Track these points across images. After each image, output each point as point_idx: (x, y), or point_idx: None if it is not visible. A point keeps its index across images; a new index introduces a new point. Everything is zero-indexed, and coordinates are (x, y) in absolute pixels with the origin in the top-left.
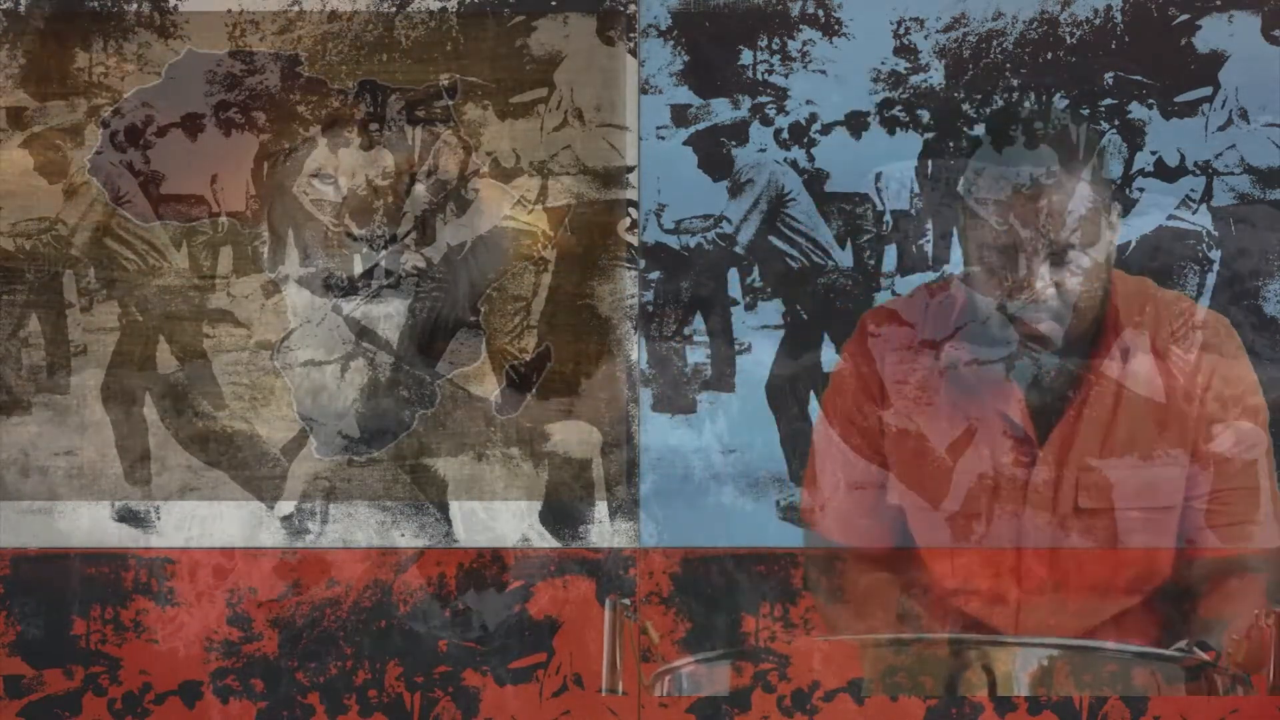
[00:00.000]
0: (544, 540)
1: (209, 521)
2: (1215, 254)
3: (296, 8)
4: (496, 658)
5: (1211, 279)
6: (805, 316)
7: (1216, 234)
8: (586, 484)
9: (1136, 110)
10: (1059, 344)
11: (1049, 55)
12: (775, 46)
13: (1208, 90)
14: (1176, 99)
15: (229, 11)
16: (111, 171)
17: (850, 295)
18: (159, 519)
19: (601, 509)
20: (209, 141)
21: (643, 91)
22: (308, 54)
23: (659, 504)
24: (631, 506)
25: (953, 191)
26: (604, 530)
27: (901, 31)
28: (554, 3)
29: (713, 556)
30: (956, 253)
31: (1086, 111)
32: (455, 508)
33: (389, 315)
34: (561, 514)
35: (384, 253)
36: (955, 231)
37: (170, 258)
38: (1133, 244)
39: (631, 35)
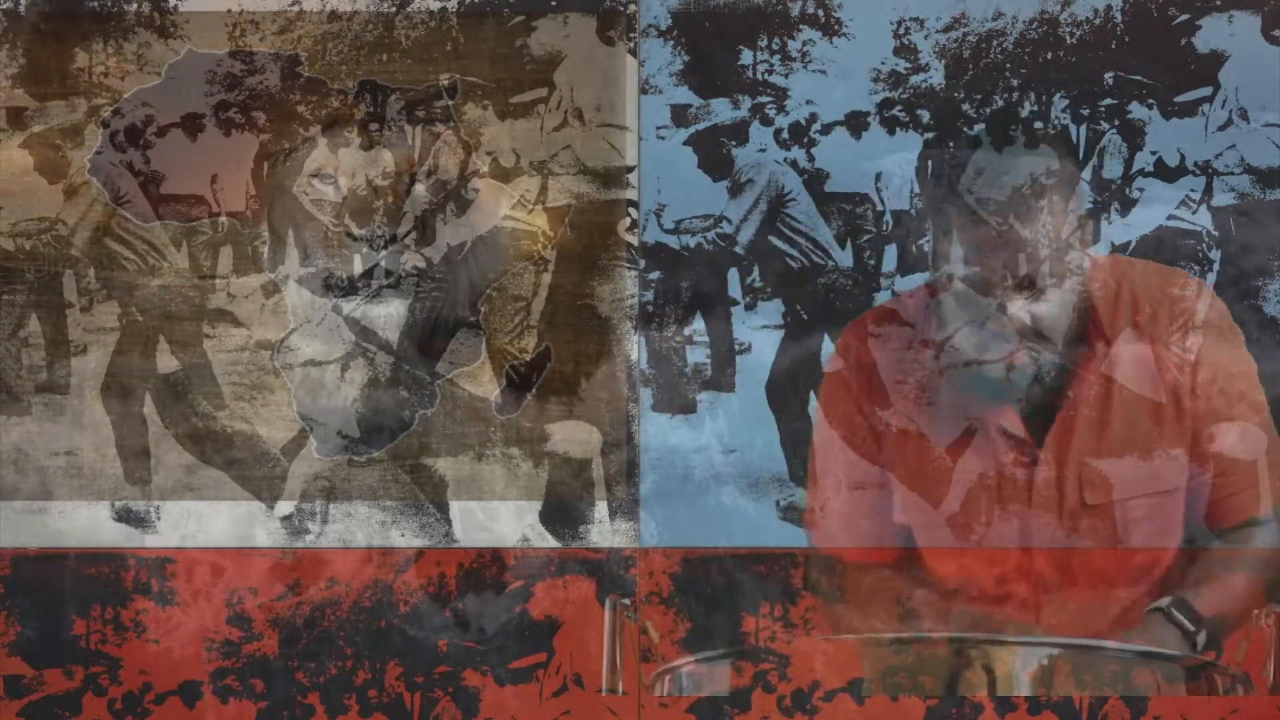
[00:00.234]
0: (544, 540)
1: (208, 521)
2: (1215, 254)
3: (296, 8)
4: (496, 658)
5: (1211, 279)
6: (805, 316)
7: (1216, 234)
8: (586, 484)
9: (1136, 110)
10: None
11: (1049, 55)
12: (775, 46)
13: (1208, 90)
14: (1176, 99)
15: (229, 11)
16: (111, 171)
17: (850, 295)
18: (158, 519)
19: (601, 509)
20: (209, 141)
21: (643, 91)
22: (308, 54)
23: (659, 504)
24: (631, 506)
25: (953, 191)
26: (604, 530)
27: (901, 31)
28: (554, 3)
29: (713, 556)
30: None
31: (1086, 111)
32: (455, 508)
33: (389, 315)
34: (561, 514)
35: (384, 253)
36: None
37: (170, 258)
38: (1133, 244)
39: (631, 35)
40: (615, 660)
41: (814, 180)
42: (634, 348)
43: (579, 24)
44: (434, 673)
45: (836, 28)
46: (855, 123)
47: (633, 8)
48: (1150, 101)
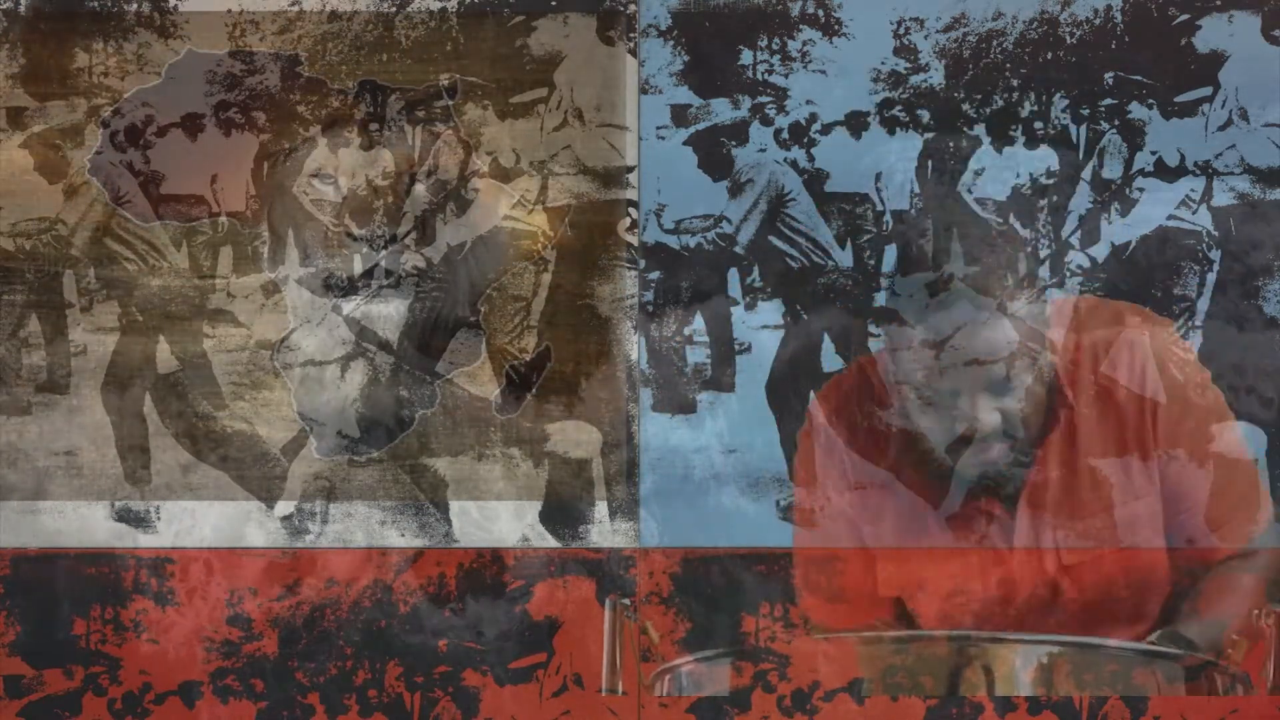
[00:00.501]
0: (544, 540)
1: (208, 521)
2: (1215, 254)
3: (296, 8)
4: (496, 658)
5: (1211, 279)
6: (805, 316)
7: (1216, 234)
8: (586, 484)
9: (1136, 110)
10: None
11: (1049, 55)
12: (775, 46)
13: (1208, 90)
14: (1176, 99)
15: (229, 11)
16: (111, 171)
17: (850, 295)
18: (158, 519)
19: (601, 509)
20: (209, 141)
21: (643, 91)
22: (308, 54)
23: (659, 504)
24: (631, 506)
25: (953, 191)
26: (604, 530)
27: (901, 31)
28: (554, 3)
29: (713, 556)
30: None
31: (1086, 111)
32: (455, 508)
33: (389, 315)
34: (561, 514)
35: (384, 253)
36: (955, 231)
37: (170, 258)
38: (1133, 244)
39: (631, 35)
40: (615, 660)
41: (814, 180)
42: (634, 348)
43: (579, 24)
44: (434, 673)
45: (836, 28)
46: (855, 123)
47: (633, 8)
48: (1150, 101)
